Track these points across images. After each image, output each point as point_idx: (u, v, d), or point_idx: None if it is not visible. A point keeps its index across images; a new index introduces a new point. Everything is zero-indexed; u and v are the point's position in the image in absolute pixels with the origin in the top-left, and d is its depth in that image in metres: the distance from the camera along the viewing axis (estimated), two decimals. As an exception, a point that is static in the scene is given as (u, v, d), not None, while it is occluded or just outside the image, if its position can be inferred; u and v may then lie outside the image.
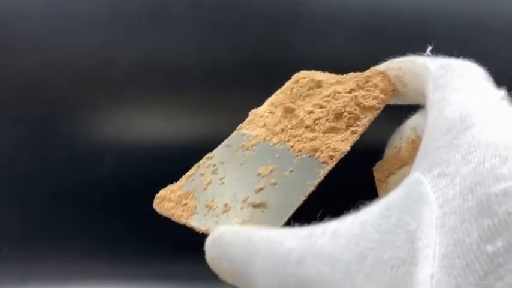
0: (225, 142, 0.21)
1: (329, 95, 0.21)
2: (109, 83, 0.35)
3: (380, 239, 0.13)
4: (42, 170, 0.35)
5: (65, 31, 0.35)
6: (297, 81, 0.23)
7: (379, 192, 0.22)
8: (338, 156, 0.19)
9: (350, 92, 0.21)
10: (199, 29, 0.35)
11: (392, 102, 0.22)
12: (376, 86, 0.21)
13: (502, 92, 0.16)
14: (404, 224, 0.13)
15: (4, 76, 0.35)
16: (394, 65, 0.21)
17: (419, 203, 0.13)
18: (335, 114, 0.20)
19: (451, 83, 0.17)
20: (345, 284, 0.12)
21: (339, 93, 0.21)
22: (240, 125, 0.22)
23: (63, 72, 0.35)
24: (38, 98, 0.35)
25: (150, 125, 0.35)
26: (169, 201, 0.19)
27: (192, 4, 0.35)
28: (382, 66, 0.21)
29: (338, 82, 0.22)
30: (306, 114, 0.21)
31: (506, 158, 0.12)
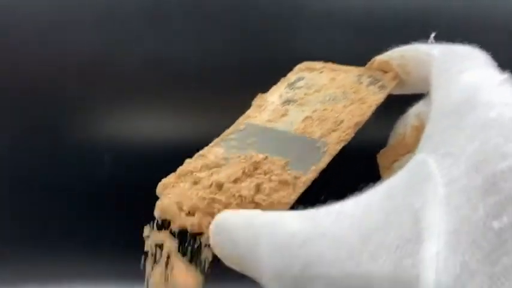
0: (233, 131, 0.20)
1: (332, 86, 0.21)
2: (109, 83, 0.35)
3: (384, 219, 0.13)
4: (42, 169, 0.35)
5: (65, 31, 0.35)
6: (301, 71, 0.23)
7: (384, 179, 0.22)
8: (341, 144, 0.18)
9: (353, 83, 0.21)
10: (199, 29, 0.35)
11: (395, 92, 0.22)
12: (379, 75, 0.21)
13: (505, 75, 0.16)
14: (409, 203, 0.13)
15: (4, 76, 0.35)
16: (397, 54, 0.21)
17: (424, 182, 0.13)
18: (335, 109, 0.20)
19: (455, 67, 0.17)
20: (350, 264, 0.12)
21: (342, 85, 0.21)
22: (247, 113, 0.21)
23: (63, 72, 0.35)
24: (38, 98, 0.35)
25: (150, 125, 0.35)
26: (172, 187, 0.18)
27: (192, 4, 0.35)
28: (385, 56, 0.22)
29: (341, 73, 0.22)
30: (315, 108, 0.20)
31: (509, 137, 0.13)
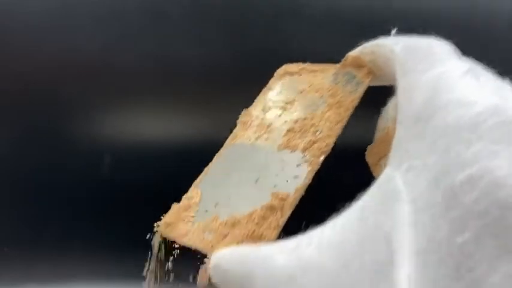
0: (222, 155, 0.21)
1: (310, 89, 0.22)
2: (109, 83, 0.35)
3: (360, 244, 0.13)
4: (42, 170, 0.35)
5: (65, 31, 0.35)
6: (280, 77, 0.24)
7: (375, 175, 0.22)
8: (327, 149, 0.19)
9: (330, 84, 0.21)
10: (199, 29, 0.35)
11: (373, 84, 0.21)
12: (354, 71, 0.21)
13: (466, 65, 0.15)
14: (380, 225, 0.13)
15: (4, 76, 0.35)
16: (367, 50, 0.21)
17: (392, 201, 0.13)
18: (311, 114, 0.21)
19: (416, 66, 0.16)
20: None
21: (320, 89, 0.22)
22: (233, 133, 0.22)
23: (63, 72, 0.35)
24: (38, 98, 0.35)
25: (150, 125, 0.35)
26: (173, 226, 0.19)
27: (192, 4, 0.35)
28: (357, 52, 0.21)
29: (318, 74, 0.23)
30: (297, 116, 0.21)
31: (469, 142, 0.12)
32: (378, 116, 0.22)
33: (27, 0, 0.35)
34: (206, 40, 0.35)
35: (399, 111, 0.16)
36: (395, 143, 0.15)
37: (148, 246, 0.36)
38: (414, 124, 0.14)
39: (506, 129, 0.12)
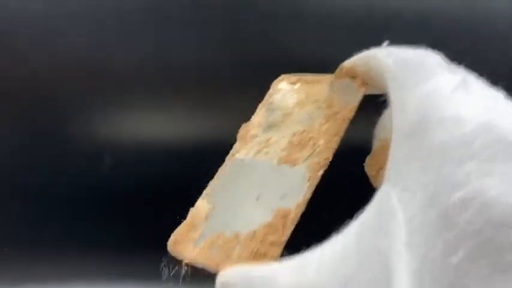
0: (223, 171, 0.21)
1: (307, 101, 0.22)
2: (109, 83, 0.35)
3: (358, 262, 0.13)
4: (42, 170, 0.35)
5: (65, 31, 0.35)
6: (277, 89, 0.24)
7: (374, 185, 0.22)
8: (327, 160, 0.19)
9: (326, 95, 0.22)
10: (199, 29, 0.35)
11: (368, 93, 0.21)
12: (349, 82, 0.21)
13: (457, 78, 0.15)
14: (378, 245, 0.13)
15: (3, 76, 0.35)
16: (360, 61, 0.20)
17: (389, 221, 0.13)
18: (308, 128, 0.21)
19: (409, 81, 0.16)
20: None
21: (317, 100, 0.22)
22: (233, 148, 0.22)
23: (63, 72, 0.35)
24: (38, 98, 0.35)
25: (150, 125, 0.35)
26: (181, 244, 0.20)
27: (192, 4, 0.35)
28: (350, 62, 0.21)
29: (314, 85, 0.23)
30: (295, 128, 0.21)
31: (461, 161, 0.12)
32: (375, 124, 0.22)
33: (27, 0, 0.35)
34: (206, 41, 0.35)
35: (393, 126, 0.16)
36: (390, 160, 0.15)
37: (147, 246, 0.36)
38: (407, 142, 0.15)
39: (498, 146, 0.12)
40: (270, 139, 0.21)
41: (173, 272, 0.21)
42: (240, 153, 0.22)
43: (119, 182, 0.35)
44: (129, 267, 0.35)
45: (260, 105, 0.24)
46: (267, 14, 0.35)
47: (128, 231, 0.35)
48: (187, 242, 0.19)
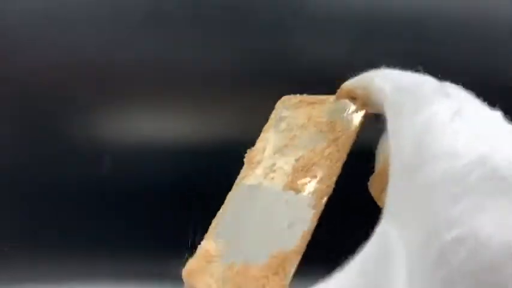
0: (232, 197, 0.22)
1: (309, 124, 0.22)
2: (109, 83, 0.35)
3: None
4: (42, 170, 0.35)
5: (65, 31, 0.35)
6: (280, 111, 0.24)
7: (379, 205, 0.22)
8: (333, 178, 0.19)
9: (328, 117, 0.22)
10: (199, 30, 0.35)
11: (370, 112, 0.21)
12: (349, 104, 0.21)
13: (454, 106, 0.15)
14: (379, 283, 0.13)
15: (3, 76, 0.35)
16: (360, 83, 0.20)
17: (389, 260, 0.13)
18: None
19: (403, 109, 0.16)
20: None
21: (319, 122, 0.22)
22: (241, 173, 0.23)
23: (63, 72, 0.35)
24: (38, 98, 0.35)
25: (150, 125, 0.35)
26: (195, 274, 0.20)
27: (192, 5, 0.35)
28: (350, 84, 0.21)
29: (316, 106, 0.23)
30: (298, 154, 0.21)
31: (456, 197, 0.12)
32: (377, 143, 0.22)
33: (27, 0, 0.35)
34: (207, 41, 0.35)
35: (391, 155, 0.16)
36: (388, 195, 0.15)
37: (147, 246, 0.36)
38: (403, 176, 0.14)
39: (492, 180, 0.12)
40: (275, 164, 0.21)
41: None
42: (246, 178, 0.22)
43: (119, 182, 0.35)
44: (129, 267, 0.35)
45: (264, 129, 0.24)
46: (269, 16, 0.35)
47: (128, 231, 0.35)
48: (202, 273, 0.19)
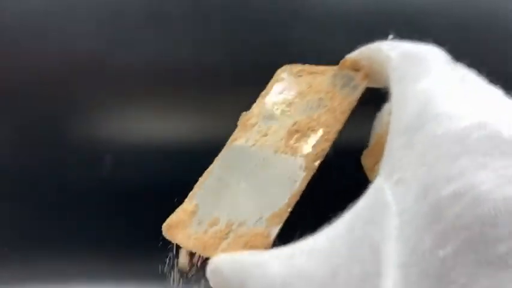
0: (221, 157, 0.22)
1: (309, 91, 0.22)
2: (109, 83, 0.35)
3: (349, 253, 0.13)
4: (42, 170, 0.35)
5: (65, 31, 0.35)
6: (280, 78, 0.24)
7: (370, 179, 0.22)
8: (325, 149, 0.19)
9: (328, 86, 0.22)
10: (199, 30, 0.35)
11: (370, 86, 0.21)
12: (352, 74, 0.21)
13: (457, 75, 0.15)
14: (369, 236, 0.13)
15: (3, 76, 0.35)
16: (364, 54, 0.21)
17: (381, 213, 0.14)
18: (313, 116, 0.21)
19: (410, 74, 0.16)
20: None
21: (319, 91, 0.22)
22: (233, 135, 0.22)
23: (63, 72, 0.35)
24: (38, 99, 0.35)
25: (150, 125, 0.35)
26: (176, 228, 0.20)
27: (191, 4, 0.35)
28: (355, 55, 0.21)
29: (317, 76, 0.23)
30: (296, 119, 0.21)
31: (456, 156, 0.12)
32: (374, 119, 0.23)
33: (27, 0, 0.35)
34: (206, 41, 0.35)
35: (392, 119, 0.16)
36: (386, 152, 0.16)
37: (147, 246, 0.36)
38: (404, 134, 0.15)
39: (492, 143, 0.13)
40: (270, 128, 0.21)
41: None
42: (239, 140, 0.22)
43: (120, 182, 0.35)
44: (129, 267, 0.35)
45: (262, 94, 0.24)
46: (268, 15, 0.35)
47: (128, 231, 0.35)
48: (182, 228, 0.19)
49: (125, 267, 0.35)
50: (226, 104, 0.32)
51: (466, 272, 0.11)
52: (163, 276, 0.35)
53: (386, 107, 0.21)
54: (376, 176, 0.19)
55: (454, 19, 0.34)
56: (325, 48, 0.34)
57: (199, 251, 0.18)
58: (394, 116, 0.16)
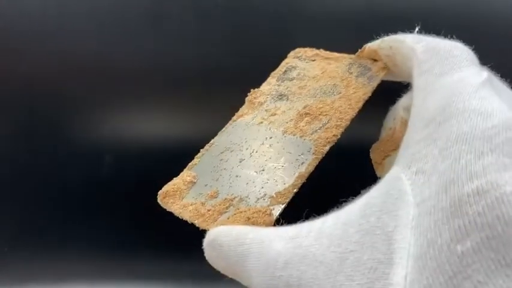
0: (225, 132, 0.21)
1: (323, 76, 0.22)
2: (109, 83, 0.35)
3: (360, 240, 0.13)
4: (43, 170, 0.35)
5: (65, 31, 0.35)
6: (293, 60, 0.24)
7: (377, 173, 0.22)
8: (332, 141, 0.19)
9: (344, 73, 0.21)
10: (199, 29, 0.35)
11: (386, 79, 0.21)
12: (369, 64, 0.21)
13: (484, 74, 0.15)
14: (383, 224, 0.13)
15: (4, 76, 0.35)
16: (385, 44, 0.20)
17: (397, 202, 0.13)
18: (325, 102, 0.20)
19: (435, 68, 0.16)
20: (326, 285, 0.13)
21: (333, 77, 0.22)
22: (239, 111, 0.22)
23: (63, 73, 0.35)
24: (38, 99, 0.35)
25: (150, 125, 0.35)
26: (172, 197, 0.19)
27: (192, 4, 0.35)
28: (374, 45, 0.21)
29: (332, 62, 0.22)
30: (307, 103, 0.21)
31: (481, 153, 0.12)
32: (385, 114, 0.22)
33: (27, 0, 0.35)
34: (206, 40, 0.35)
35: (413, 111, 0.16)
36: (404, 142, 0.15)
37: (148, 246, 0.36)
38: (427, 126, 0.14)
39: None
40: (278, 108, 0.21)
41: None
42: (245, 116, 0.21)
43: (119, 182, 0.35)
44: (129, 267, 0.35)
45: (272, 74, 0.23)
46: (268, 14, 0.35)
47: (128, 231, 0.35)
48: (179, 197, 0.19)
49: (125, 267, 0.35)
50: (226, 104, 0.32)
51: (483, 271, 0.11)
52: (163, 276, 0.35)
53: (400, 102, 0.21)
54: (385, 170, 0.18)
55: (456, 18, 0.34)
56: (326, 47, 0.34)
57: (197, 223, 0.17)
58: (416, 109, 0.16)
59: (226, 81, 0.35)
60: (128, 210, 0.34)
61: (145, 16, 0.35)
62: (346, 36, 0.34)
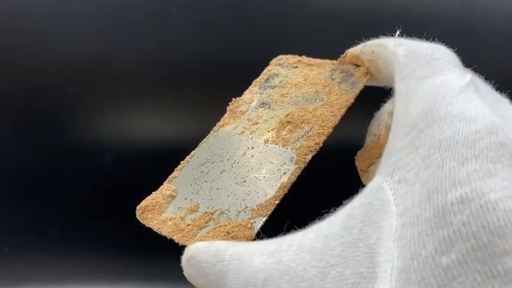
0: (206, 143, 0.21)
1: (305, 83, 0.21)
2: (109, 83, 0.35)
3: (342, 253, 0.13)
4: (43, 170, 0.35)
5: (65, 31, 0.35)
6: (275, 67, 0.23)
7: (363, 181, 0.21)
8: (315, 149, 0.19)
9: (326, 80, 0.21)
10: (199, 29, 0.35)
11: (369, 84, 0.21)
12: (352, 70, 0.21)
13: (468, 76, 0.15)
14: (365, 236, 0.13)
15: (4, 76, 0.35)
16: (367, 49, 0.20)
17: (379, 213, 0.13)
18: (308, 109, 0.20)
19: (416, 72, 0.16)
20: None
21: (315, 83, 0.21)
22: (220, 121, 0.22)
23: (63, 72, 0.35)
24: (38, 98, 0.35)
25: (150, 125, 0.35)
26: (151, 212, 0.19)
27: (192, 4, 0.35)
28: (356, 50, 0.21)
29: (314, 68, 0.22)
30: (289, 111, 0.20)
31: (465, 160, 0.12)
32: (370, 119, 0.22)
33: (27, 0, 0.35)
34: (206, 40, 0.35)
35: (395, 117, 0.16)
36: (387, 150, 0.15)
37: (148, 246, 0.36)
38: (409, 133, 0.14)
39: (503, 150, 0.12)
40: (260, 117, 0.21)
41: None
42: (226, 126, 0.21)
43: (119, 181, 0.35)
44: (130, 267, 0.35)
45: (254, 82, 0.23)
46: (268, 13, 0.35)
47: (128, 231, 0.35)
48: (158, 212, 0.18)
49: (125, 267, 0.35)
50: (227, 104, 0.32)
51: (470, 283, 0.10)
52: (163, 276, 0.35)
53: (385, 107, 0.21)
54: (370, 177, 0.18)
55: (454, 18, 0.34)
56: (325, 45, 0.34)
57: (175, 238, 0.17)
58: (398, 115, 0.15)
59: (226, 81, 0.35)
60: (127, 210, 0.34)
61: (145, 16, 0.35)
62: (346, 35, 0.34)
